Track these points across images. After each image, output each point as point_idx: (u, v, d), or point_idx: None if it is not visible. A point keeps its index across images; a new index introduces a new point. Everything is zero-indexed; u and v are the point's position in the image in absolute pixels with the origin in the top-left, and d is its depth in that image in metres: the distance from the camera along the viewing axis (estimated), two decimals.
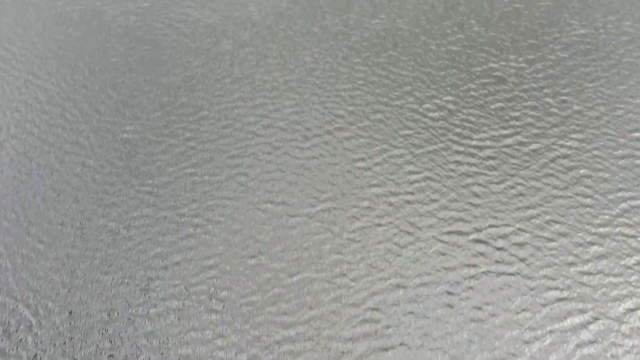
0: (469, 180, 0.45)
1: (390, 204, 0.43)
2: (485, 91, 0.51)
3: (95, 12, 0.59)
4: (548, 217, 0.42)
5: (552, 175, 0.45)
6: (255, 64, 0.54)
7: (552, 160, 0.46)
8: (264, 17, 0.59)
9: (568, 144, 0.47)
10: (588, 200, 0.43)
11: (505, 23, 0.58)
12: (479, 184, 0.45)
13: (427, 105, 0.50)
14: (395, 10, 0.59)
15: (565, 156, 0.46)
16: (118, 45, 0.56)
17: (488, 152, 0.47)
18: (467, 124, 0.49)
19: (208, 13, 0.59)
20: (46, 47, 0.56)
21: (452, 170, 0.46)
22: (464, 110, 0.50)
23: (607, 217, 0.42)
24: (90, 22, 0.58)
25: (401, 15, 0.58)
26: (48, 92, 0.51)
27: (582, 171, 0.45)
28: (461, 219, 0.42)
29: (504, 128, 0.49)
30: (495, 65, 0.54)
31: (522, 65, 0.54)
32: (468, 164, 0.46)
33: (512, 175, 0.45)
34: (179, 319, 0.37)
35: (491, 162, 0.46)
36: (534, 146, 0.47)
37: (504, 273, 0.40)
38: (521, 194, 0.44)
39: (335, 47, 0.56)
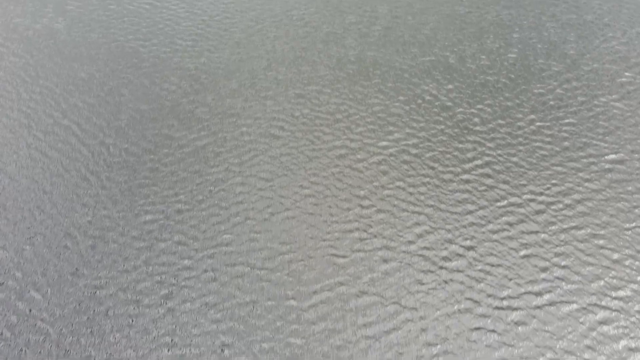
0: (496, 354, 0.38)
1: None
2: (508, 233, 0.45)
3: (66, 133, 0.53)
4: None
5: (592, 348, 0.38)
6: (246, 196, 0.48)
7: (592, 328, 0.39)
8: (256, 140, 0.53)
9: (610, 304, 0.40)
10: None
11: (526, 145, 0.52)
12: None
13: (443, 253, 0.44)
14: (403, 132, 0.53)
15: (607, 321, 0.39)
16: (88, 174, 0.49)
17: (516, 316, 0.40)
18: (490, 277, 0.42)
19: (194, 135, 0.53)
20: (9, 176, 0.50)
21: (475, 341, 0.39)
22: (485, 259, 0.43)
23: None
24: (56, 147, 0.52)
25: (409, 138, 0.53)
26: (3, 236, 0.45)
27: (630, 343, 0.38)
28: None
29: (533, 283, 0.42)
30: (517, 199, 0.47)
31: (548, 199, 0.47)
32: (494, 331, 0.39)
33: (546, 348, 0.38)
34: None
35: (521, 329, 0.39)
36: (569, 307, 0.40)
37: None
38: None
39: (335, 174, 0.49)
